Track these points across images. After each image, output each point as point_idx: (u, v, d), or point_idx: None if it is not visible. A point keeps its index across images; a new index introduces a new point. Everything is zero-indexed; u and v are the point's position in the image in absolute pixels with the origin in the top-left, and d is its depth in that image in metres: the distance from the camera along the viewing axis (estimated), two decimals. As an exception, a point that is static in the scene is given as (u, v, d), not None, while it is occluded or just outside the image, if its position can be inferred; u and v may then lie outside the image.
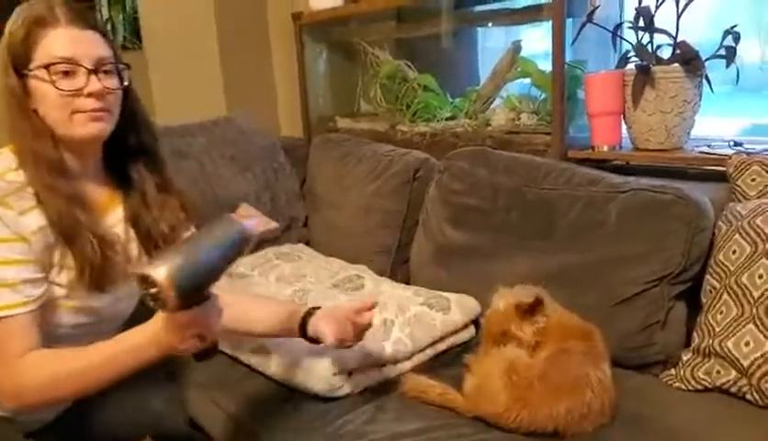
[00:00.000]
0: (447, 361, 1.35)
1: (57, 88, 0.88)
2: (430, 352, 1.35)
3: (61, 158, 0.92)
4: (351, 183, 1.84)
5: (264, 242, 1.92)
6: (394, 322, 1.36)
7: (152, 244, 1.02)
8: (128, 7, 2.18)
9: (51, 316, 0.93)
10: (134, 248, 1.03)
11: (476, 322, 1.43)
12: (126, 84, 0.96)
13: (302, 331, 1.11)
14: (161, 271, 0.74)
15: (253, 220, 0.80)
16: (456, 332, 1.39)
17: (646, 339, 1.20)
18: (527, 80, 1.78)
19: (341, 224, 1.85)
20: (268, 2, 2.28)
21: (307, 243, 1.97)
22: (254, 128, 2.03)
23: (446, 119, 1.91)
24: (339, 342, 1.02)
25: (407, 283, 1.62)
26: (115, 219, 1.01)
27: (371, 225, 1.75)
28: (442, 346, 1.37)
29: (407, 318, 1.37)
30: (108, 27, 2.05)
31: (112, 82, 0.93)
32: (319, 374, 1.20)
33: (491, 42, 2.18)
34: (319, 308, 1.10)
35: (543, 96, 1.73)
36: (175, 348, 0.84)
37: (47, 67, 0.88)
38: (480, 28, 2.14)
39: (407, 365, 1.31)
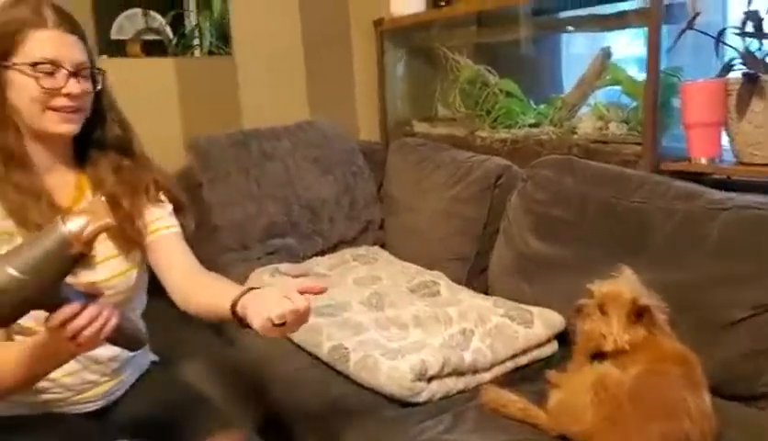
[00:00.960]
0: (528, 375, 1.32)
1: (40, 85, 0.94)
2: (510, 365, 1.33)
3: (21, 150, 0.98)
4: (429, 188, 1.83)
5: (341, 242, 1.95)
6: (474, 332, 1.35)
7: (121, 226, 1.02)
8: (215, 14, 2.27)
9: None
10: None
11: (559, 338, 1.39)
12: (99, 87, 1.03)
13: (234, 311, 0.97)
14: None
15: (79, 221, 0.77)
16: (538, 346, 1.36)
17: (752, 369, 1.12)
18: (617, 87, 1.71)
19: (417, 229, 1.84)
20: (350, 9, 2.31)
21: (382, 246, 1.98)
22: (335, 132, 2.07)
23: (529, 126, 1.87)
24: (265, 331, 0.88)
25: (485, 293, 1.60)
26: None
27: (449, 231, 1.73)
28: (523, 360, 1.34)
29: (487, 329, 1.35)
30: (196, 32, 2.13)
31: (87, 85, 1.00)
32: (398, 378, 1.20)
33: (576, 48, 2.12)
34: (250, 290, 0.97)
35: (634, 104, 1.66)
36: (58, 352, 0.85)
37: (33, 65, 0.94)
38: (564, 34, 2.09)
39: (486, 376, 1.29)
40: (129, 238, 1.06)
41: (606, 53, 1.70)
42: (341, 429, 1.22)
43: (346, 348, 1.32)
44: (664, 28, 1.48)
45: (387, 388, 1.21)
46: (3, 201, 0.96)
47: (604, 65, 1.70)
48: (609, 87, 1.74)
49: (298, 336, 1.44)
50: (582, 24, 1.88)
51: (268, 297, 0.90)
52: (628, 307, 1.10)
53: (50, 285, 0.77)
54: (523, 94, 1.96)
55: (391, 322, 1.45)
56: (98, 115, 1.05)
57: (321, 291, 0.93)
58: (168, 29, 2.02)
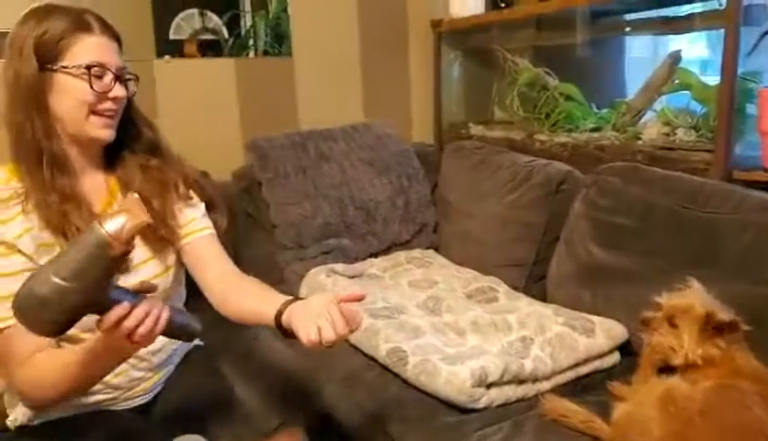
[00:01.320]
0: (589, 386, 1.29)
1: (92, 88, 0.95)
2: (570, 374, 1.30)
3: (65, 154, 0.98)
4: (486, 191, 1.81)
5: (394, 244, 1.96)
6: (533, 340, 1.33)
7: (153, 226, 1.01)
8: (271, 15, 2.31)
9: None
10: None
11: (621, 349, 1.35)
12: (135, 91, 1.05)
13: (278, 321, 0.98)
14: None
15: (117, 221, 0.75)
16: (599, 356, 1.33)
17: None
18: (686, 92, 1.65)
19: (473, 233, 1.83)
20: (409, 10, 2.32)
21: (436, 249, 1.98)
22: (390, 133, 2.07)
23: (590, 131, 1.83)
24: (311, 342, 0.88)
25: (542, 300, 1.57)
26: (117, 208, 1.04)
27: (506, 237, 1.71)
28: (584, 370, 1.31)
29: (547, 337, 1.33)
30: (252, 32, 2.17)
31: (126, 90, 1.02)
32: (458, 384, 1.19)
33: (640, 52, 2.07)
34: (295, 299, 0.99)
35: (703, 110, 1.60)
36: (115, 351, 0.86)
37: (88, 67, 0.95)
38: (627, 37, 2.03)
39: (546, 385, 1.27)
40: (162, 238, 1.06)
41: (675, 57, 1.65)
42: (398, 432, 1.22)
43: (404, 351, 1.32)
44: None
45: (445, 393, 1.21)
46: (41, 210, 0.95)
47: (672, 69, 1.65)
48: (677, 92, 1.69)
49: (354, 337, 1.44)
50: (651, 27, 1.82)
51: (315, 309, 0.90)
52: (702, 320, 1.06)
53: (96, 288, 0.77)
54: (584, 98, 1.92)
55: (449, 327, 1.44)
56: (128, 118, 1.07)
57: (361, 298, 0.95)
58: (224, 30, 2.06)
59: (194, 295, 1.20)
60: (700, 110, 1.61)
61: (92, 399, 1.05)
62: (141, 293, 0.83)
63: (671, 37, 1.88)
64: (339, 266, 1.78)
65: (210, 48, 2.04)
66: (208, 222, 1.14)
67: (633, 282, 1.37)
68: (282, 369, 1.57)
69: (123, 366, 1.03)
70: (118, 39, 1.02)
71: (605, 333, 1.34)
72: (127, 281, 0.97)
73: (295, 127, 2.11)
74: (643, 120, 1.75)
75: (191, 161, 1.18)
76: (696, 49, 2.04)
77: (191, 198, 1.13)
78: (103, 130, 1.00)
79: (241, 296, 1.06)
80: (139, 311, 0.80)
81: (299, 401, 1.47)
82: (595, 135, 1.80)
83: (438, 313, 1.51)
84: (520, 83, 2.04)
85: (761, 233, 1.21)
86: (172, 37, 1.96)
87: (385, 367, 1.36)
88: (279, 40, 2.19)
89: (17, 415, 1.03)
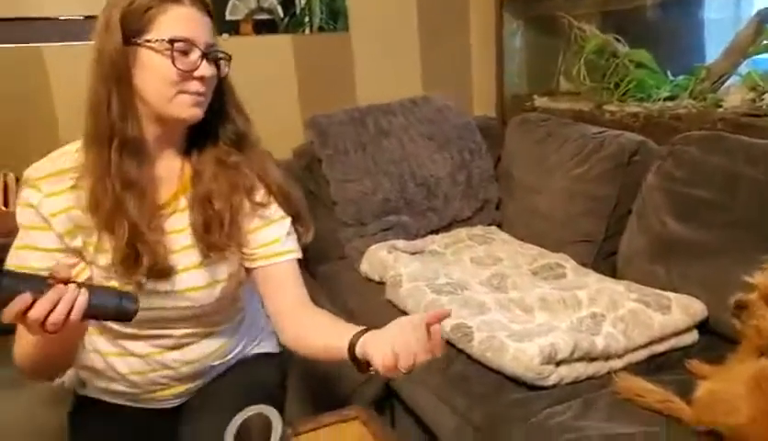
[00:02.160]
0: (664, 365, 1.24)
1: (175, 66, 0.86)
2: (644, 353, 1.25)
3: (140, 138, 0.89)
4: (553, 165, 1.75)
5: (455, 221, 1.93)
6: (605, 317, 1.29)
7: (207, 228, 0.95)
8: (326, -10, 2.30)
9: None
10: (183, 238, 0.97)
11: (700, 327, 1.29)
12: (227, 71, 0.94)
13: (351, 352, 0.87)
14: None
15: None
16: (676, 334, 1.27)
17: None
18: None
19: (539, 209, 1.78)
20: (470, -22, 2.25)
21: (499, 226, 1.94)
22: (450, 107, 2.03)
23: (664, 100, 1.73)
24: (386, 368, 0.77)
25: (612, 277, 1.51)
26: (185, 203, 0.97)
27: (574, 211, 1.65)
28: (659, 348, 1.26)
29: (620, 314, 1.28)
30: (307, 9, 2.16)
31: (215, 69, 0.91)
32: (526, 360, 1.17)
33: (720, 12, 1.92)
34: (368, 329, 0.88)
35: (796, 73, 1.48)
36: (42, 337, 0.78)
37: (171, 42, 0.86)
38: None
39: (618, 363, 1.23)
40: (212, 244, 0.95)
41: (764, 16, 1.52)
42: (466, 407, 1.21)
43: (469, 327, 1.30)
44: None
45: (512, 369, 1.19)
46: (94, 192, 0.88)
47: (760, 29, 1.53)
48: (766, 54, 1.56)
49: (417, 311, 1.44)
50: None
51: (393, 331, 0.82)
52: None
53: None
54: (657, 65, 1.81)
55: (515, 303, 1.42)
56: (219, 102, 0.96)
57: (447, 315, 0.87)
58: (279, 8, 2.06)
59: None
60: (792, 73, 1.49)
61: (117, 388, 1.03)
62: (53, 280, 0.74)
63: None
64: (400, 243, 1.77)
65: (266, 27, 2.05)
66: (292, 244, 1.02)
67: (712, 257, 1.30)
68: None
69: (144, 367, 1.00)
70: (210, 14, 0.92)
71: (683, 309, 1.27)
72: (165, 287, 0.93)
73: (353, 102, 2.11)
74: (725, 86, 1.63)
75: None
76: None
77: (266, 207, 1.00)
78: (190, 109, 0.90)
79: (311, 333, 0.96)
80: (46, 300, 0.73)
81: (362, 379, 1.48)
82: (670, 104, 1.70)
83: (504, 290, 1.48)
84: (587, 51, 1.95)
85: None
86: (228, 18, 1.98)
87: (449, 343, 1.35)
88: (334, 17, 2.18)
89: (64, 379, 1.06)
